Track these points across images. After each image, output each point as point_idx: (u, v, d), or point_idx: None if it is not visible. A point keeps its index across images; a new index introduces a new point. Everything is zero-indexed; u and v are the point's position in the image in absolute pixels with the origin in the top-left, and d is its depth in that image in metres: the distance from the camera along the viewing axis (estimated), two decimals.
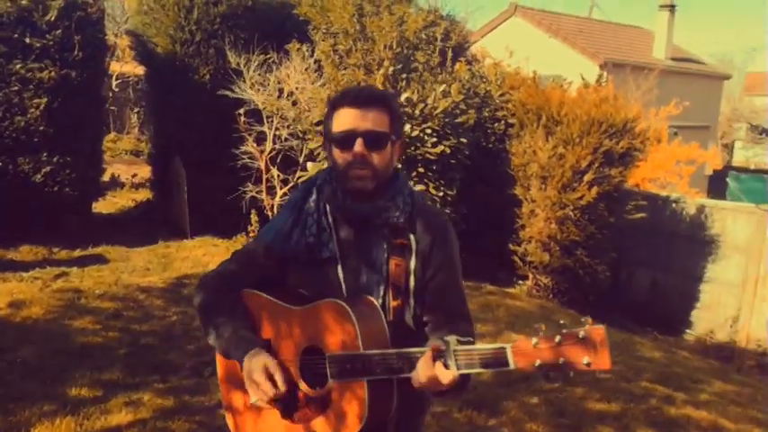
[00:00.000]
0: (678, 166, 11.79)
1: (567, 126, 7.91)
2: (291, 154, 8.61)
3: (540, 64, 11.09)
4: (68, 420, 3.73)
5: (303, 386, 1.76)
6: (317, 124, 8.02)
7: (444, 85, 7.78)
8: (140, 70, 11.44)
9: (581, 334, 1.39)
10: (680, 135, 14.13)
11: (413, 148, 7.48)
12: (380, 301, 1.79)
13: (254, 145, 8.48)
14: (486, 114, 8.48)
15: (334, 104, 1.83)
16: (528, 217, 8.32)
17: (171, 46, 8.93)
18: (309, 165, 8.04)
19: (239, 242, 8.57)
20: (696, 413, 4.78)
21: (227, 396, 1.95)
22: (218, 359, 1.96)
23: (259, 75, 8.39)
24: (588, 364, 1.39)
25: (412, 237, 1.82)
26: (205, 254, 7.94)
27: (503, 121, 8.62)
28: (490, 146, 8.49)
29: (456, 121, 7.74)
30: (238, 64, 8.41)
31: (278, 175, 8.63)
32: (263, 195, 8.65)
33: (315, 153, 7.90)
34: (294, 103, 8.16)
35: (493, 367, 1.53)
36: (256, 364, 1.71)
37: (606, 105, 8.01)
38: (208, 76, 8.94)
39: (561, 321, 1.43)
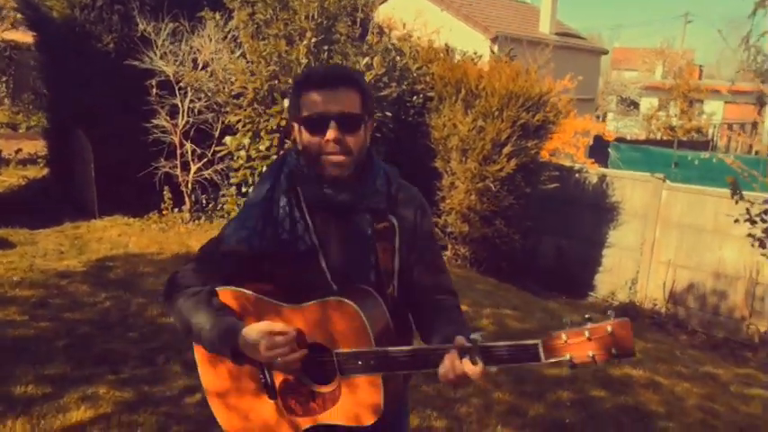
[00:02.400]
0: (575, 137, 12.39)
1: (485, 100, 8.07)
2: (206, 127, 8.28)
3: (432, 37, 11.18)
4: (22, 421, 3.44)
5: (309, 383, 1.72)
6: (236, 97, 7.75)
7: (368, 58, 7.70)
8: (24, 36, 10.54)
9: (609, 328, 1.47)
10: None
11: None
12: (374, 288, 1.74)
13: (167, 118, 8.06)
14: (405, 88, 8.48)
15: (301, 86, 1.73)
16: (448, 189, 8.46)
17: (69, 10, 8.27)
18: (228, 139, 7.78)
19: (153, 221, 8.18)
20: (635, 372, 5.10)
21: (214, 385, 1.84)
22: (201, 360, 1.85)
23: (170, 44, 7.95)
24: (616, 355, 1.48)
25: (393, 218, 1.78)
26: (120, 234, 7.50)
27: (421, 95, 8.67)
28: (410, 119, 8.52)
29: (380, 94, 7.70)
30: (147, 32, 7.93)
31: (193, 150, 8.27)
32: (178, 171, 8.27)
33: (234, 126, 7.62)
34: (212, 75, 7.80)
35: (523, 361, 1.56)
36: (253, 333, 1.62)
37: (522, 79, 8.24)
38: (112, 45, 8.37)
39: (587, 315, 1.49)
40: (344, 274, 1.75)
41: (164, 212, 8.34)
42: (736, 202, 6.28)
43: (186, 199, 8.39)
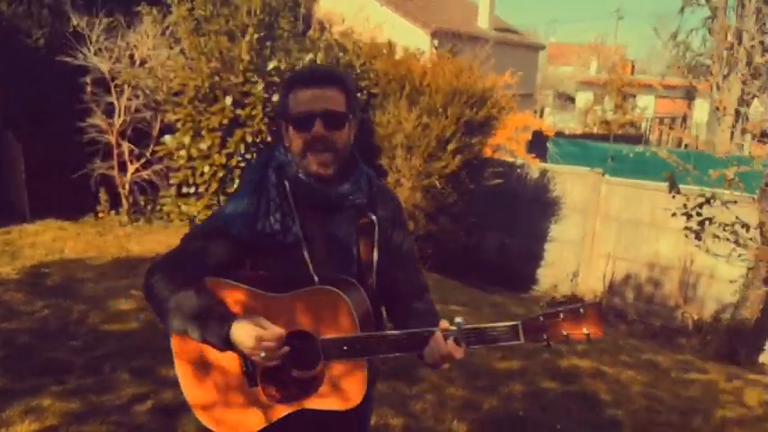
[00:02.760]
0: (515, 133, 12.58)
1: (430, 96, 8.09)
2: (144, 126, 8.05)
3: (373, 32, 11.16)
4: None
5: (292, 369, 1.77)
6: (176, 94, 7.56)
7: (311, 54, 7.63)
8: None
9: (581, 310, 1.64)
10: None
11: None
12: (356, 279, 1.82)
13: (103, 117, 7.80)
14: None
15: (290, 85, 1.79)
16: (394, 186, 8.44)
17: None
18: (167, 138, 7.59)
19: (89, 224, 7.92)
20: (581, 362, 5.21)
21: (191, 374, 1.85)
22: (177, 342, 1.84)
23: (105, 40, 7.69)
24: (587, 334, 1.64)
25: (373, 216, 1.86)
26: (55, 238, 7.22)
27: (365, 92, 8.63)
28: None
29: None
30: (80, 27, 7.65)
31: (130, 150, 8.03)
32: (115, 172, 8.02)
33: (176, 125, 7.42)
34: (150, 72, 7.58)
35: (503, 342, 1.69)
36: (245, 328, 1.66)
37: (465, 76, 8.30)
38: (43, 41, 8.05)
39: (560, 299, 1.59)
40: (327, 266, 1.80)
41: (100, 215, 8.08)
42: (674, 197, 6.48)
43: (124, 201, 8.15)
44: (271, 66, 7.29)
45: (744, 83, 22.90)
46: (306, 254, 1.79)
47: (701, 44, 24.91)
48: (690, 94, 25.21)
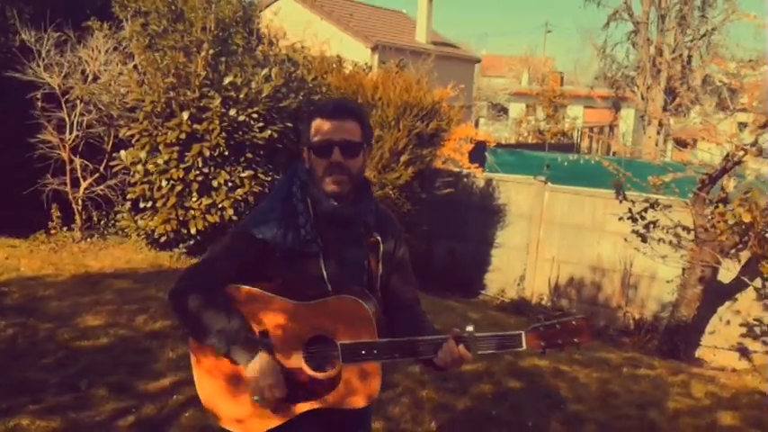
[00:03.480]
0: (458, 143, 12.96)
1: (382, 110, 8.32)
2: (97, 142, 7.98)
3: (320, 47, 11.34)
4: None
5: (309, 370, 1.94)
6: (131, 110, 7.54)
7: (266, 69, 7.74)
8: None
9: (574, 322, 1.94)
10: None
11: (241, 134, 7.37)
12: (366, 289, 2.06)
13: (55, 133, 7.70)
14: (301, 99, 8.55)
15: (313, 115, 2.03)
16: None
17: None
18: (123, 153, 7.54)
19: (41, 241, 7.77)
20: (540, 362, 5.49)
21: (210, 376, 2.00)
22: (195, 351, 2.01)
23: (55, 55, 7.60)
24: (577, 342, 1.94)
25: (377, 236, 2.10)
26: (8, 256, 7.06)
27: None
28: None
29: (280, 105, 7.75)
30: (29, 42, 7.54)
31: (85, 165, 7.94)
32: (68, 188, 7.91)
33: (131, 140, 7.40)
34: (106, 87, 7.53)
35: (507, 349, 1.98)
36: (265, 368, 1.90)
37: (415, 89, 8.57)
38: None
39: (557, 312, 1.88)
40: (339, 276, 2.01)
41: (52, 231, 7.94)
42: (621, 202, 6.89)
43: (77, 217, 8.04)
44: (227, 81, 7.36)
45: (666, 93, 24.13)
46: (322, 264, 2.00)
47: (625, 57, 26.17)
48: (617, 104, 26.32)
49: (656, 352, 7.85)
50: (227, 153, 7.29)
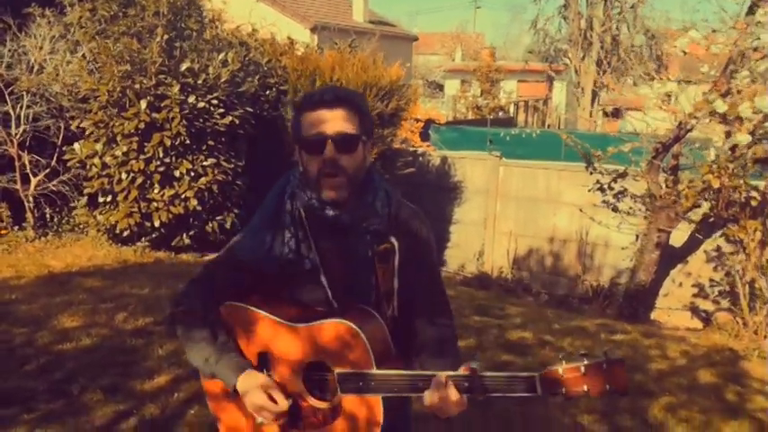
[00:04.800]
0: (410, 123, 12.96)
1: None
2: (45, 135, 7.63)
3: (264, 29, 11.10)
4: None
5: (310, 399, 1.79)
6: (83, 100, 7.23)
7: (223, 53, 7.55)
8: None
9: (604, 366, 1.55)
10: None
11: (201, 121, 7.18)
12: (373, 308, 1.80)
13: (0, 128, 7.32)
14: (257, 82, 8.39)
15: (301, 108, 1.78)
16: None
17: None
18: (77, 146, 7.25)
19: None
20: (525, 334, 5.61)
21: (219, 406, 1.91)
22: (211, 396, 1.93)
23: None
24: (609, 390, 1.55)
25: (393, 239, 1.81)
26: None
27: (274, 89, 8.62)
28: (265, 114, 8.43)
29: (239, 90, 7.59)
30: None
31: (33, 161, 7.59)
32: (18, 185, 7.54)
33: (85, 132, 7.10)
34: (55, 77, 7.19)
35: (519, 392, 1.60)
36: (253, 385, 1.75)
37: (372, 69, 8.51)
38: None
39: (582, 352, 1.63)
40: (345, 292, 1.80)
41: (2, 232, 7.57)
42: (591, 173, 7.05)
43: (29, 214, 7.68)
44: (184, 67, 7.14)
45: (598, 65, 24.77)
46: (324, 281, 1.79)
47: (557, 30, 26.71)
48: (550, 78, 26.86)
49: (618, 317, 8.12)
50: (188, 142, 7.10)
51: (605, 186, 6.89)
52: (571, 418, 4.11)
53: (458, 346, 1.93)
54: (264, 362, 1.80)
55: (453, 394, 1.59)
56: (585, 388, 1.55)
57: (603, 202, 7.00)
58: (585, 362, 1.55)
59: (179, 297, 1.91)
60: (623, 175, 6.81)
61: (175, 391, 4.08)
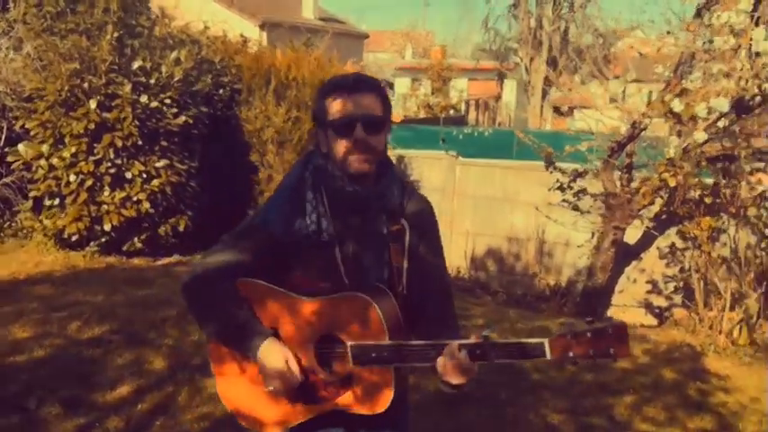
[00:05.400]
0: None
1: (298, 90, 8.11)
2: None
3: (215, 27, 10.87)
4: None
5: (320, 372, 1.85)
6: (27, 100, 6.93)
7: (176, 52, 7.34)
8: None
9: (609, 330, 1.66)
10: None
11: (154, 121, 6.97)
12: (386, 285, 1.89)
13: None
14: (211, 81, 8.19)
15: (327, 92, 1.88)
16: (266, 182, 8.37)
17: None
18: (21, 147, 6.95)
19: None
20: (493, 335, 5.58)
21: (230, 381, 1.96)
22: (215, 350, 1.97)
23: None
24: (613, 353, 1.66)
25: (404, 222, 1.93)
26: None
27: (228, 88, 8.43)
28: (219, 113, 8.24)
29: (193, 89, 7.39)
30: None
31: None
32: None
33: (33, 133, 6.79)
34: None
35: (529, 358, 1.75)
36: (275, 355, 1.81)
37: (330, 67, 8.41)
38: None
39: (588, 318, 1.71)
40: (358, 269, 1.89)
41: None
42: (551, 173, 7.10)
43: None
44: (136, 65, 6.91)
45: (548, 63, 25.16)
46: (338, 255, 1.88)
47: (507, 29, 27.04)
48: (501, 76, 27.15)
49: (575, 315, 8.21)
50: (140, 142, 6.87)
51: (565, 185, 6.95)
52: (541, 419, 4.11)
53: (458, 323, 2.04)
54: (276, 335, 1.85)
55: (465, 361, 1.71)
56: (591, 351, 1.66)
57: (564, 201, 7.06)
58: (592, 327, 1.67)
59: (196, 267, 1.95)
60: (583, 174, 6.87)
61: (139, 402, 3.94)
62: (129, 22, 7.22)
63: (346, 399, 1.84)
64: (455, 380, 1.76)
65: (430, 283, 1.97)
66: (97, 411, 3.83)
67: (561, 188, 6.94)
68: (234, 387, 1.95)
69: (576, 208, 6.95)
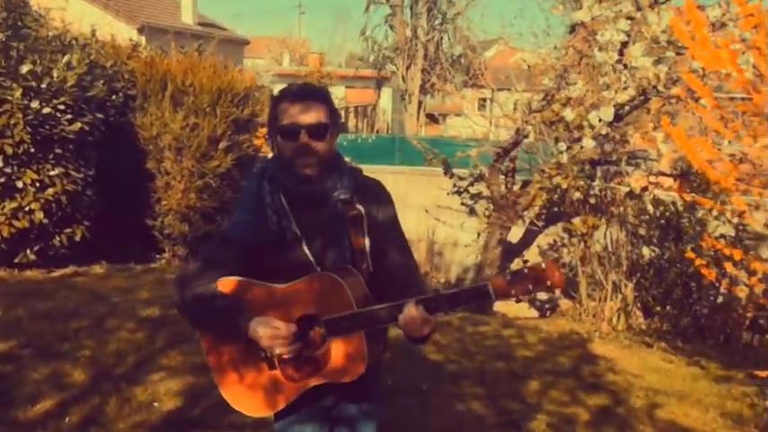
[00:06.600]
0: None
1: (195, 96, 8.03)
2: None
3: (77, 28, 10.44)
4: None
5: (304, 349, 2.04)
6: None
7: (68, 56, 7.09)
8: None
9: (543, 266, 1.87)
10: None
11: (48, 128, 6.70)
12: (350, 265, 2.12)
13: None
14: (103, 86, 7.94)
15: (278, 100, 2.09)
16: (164, 190, 8.22)
17: None
18: None
19: None
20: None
21: (221, 365, 2.14)
22: (207, 339, 2.16)
23: None
24: (550, 285, 1.87)
25: (360, 206, 2.14)
26: None
27: (121, 93, 8.19)
28: (112, 119, 7.98)
29: (87, 95, 7.17)
30: None
31: None
32: None
33: None
34: None
35: (476, 301, 2.02)
36: (261, 325, 1.98)
37: (225, 74, 8.40)
38: None
39: (524, 258, 2.13)
40: (325, 257, 2.10)
41: None
42: (450, 178, 7.49)
43: None
44: (25, 69, 6.61)
45: (423, 72, 26.04)
46: (305, 248, 2.10)
47: (384, 39, 27.68)
48: (379, 84, 27.75)
49: (466, 310, 8.66)
50: (32, 150, 6.59)
51: (462, 189, 7.37)
52: (464, 404, 4.41)
53: (422, 276, 2.30)
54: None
55: (422, 314, 1.91)
56: (530, 287, 1.86)
57: (462, 204, 7.48)
58: (528, 265, 1.89)
59: (179, 278, 2.13)
60: (479, 179, 7.32)
61: (65, 414, 3.84)
62: (13, 23, 6.88)
63: (328, 371, 2.02)
64: (418, 333, 1.96)
65: (393, 255, 2.19)
66: (21, 428, 3.70)
67: (459, 192, 7.34)
68: (232, 379, 2.12)
69: (473, 211, 7.39)
